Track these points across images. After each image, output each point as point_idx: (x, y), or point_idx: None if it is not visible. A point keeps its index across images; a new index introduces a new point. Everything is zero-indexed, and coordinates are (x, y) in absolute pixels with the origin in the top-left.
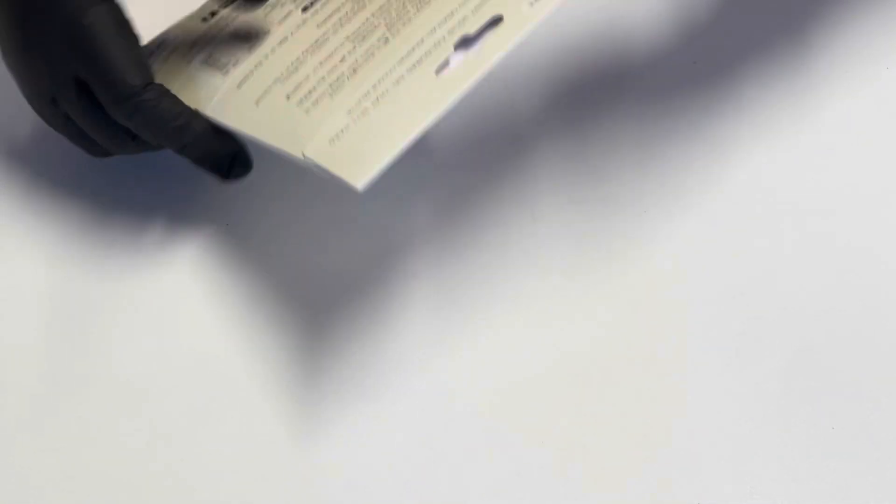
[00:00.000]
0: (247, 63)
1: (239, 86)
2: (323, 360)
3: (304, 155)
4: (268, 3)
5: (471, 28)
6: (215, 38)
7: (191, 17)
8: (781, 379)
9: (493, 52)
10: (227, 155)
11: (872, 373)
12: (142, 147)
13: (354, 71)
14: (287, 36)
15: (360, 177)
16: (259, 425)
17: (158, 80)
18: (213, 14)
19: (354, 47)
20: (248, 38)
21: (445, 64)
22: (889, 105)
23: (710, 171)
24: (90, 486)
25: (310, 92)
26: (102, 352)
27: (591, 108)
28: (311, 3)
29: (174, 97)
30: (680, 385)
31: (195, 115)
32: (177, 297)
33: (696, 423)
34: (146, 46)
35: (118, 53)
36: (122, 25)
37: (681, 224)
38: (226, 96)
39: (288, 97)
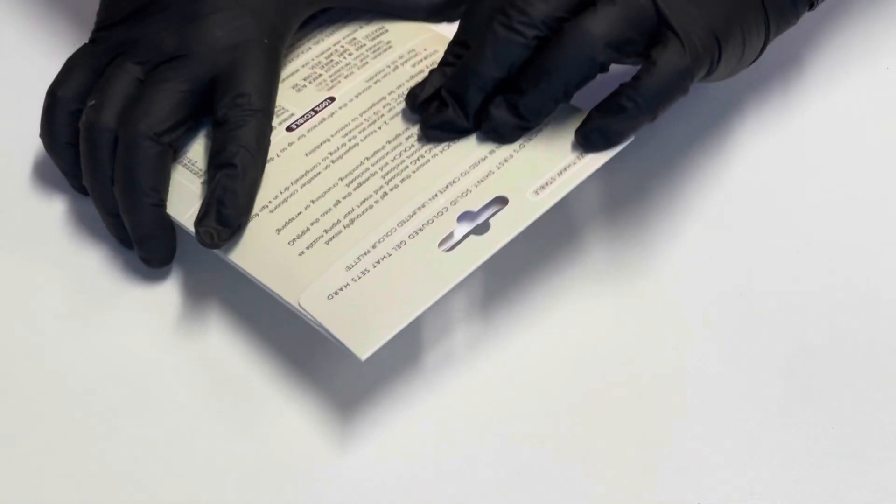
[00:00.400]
0: None
1: None
2: (324, 362)
3: (299, 304)
4: None
5: (474, 204)
6: (194, 142)
7: None
8: (781, 379)
9: (500, 236)
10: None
11: (872, 373)
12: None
13: (352, 221)
14: (273, 157)
15: (365, 347)
16: (257, 425)
17: None
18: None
19: (350, 193)
20: None
21: (449, 236)
22: (889, 105)
23: (709, 172)
24: (90, 487)
25: (303, 233)
26: (105, 351)
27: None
28: (297, 124)
29: (248, 184)
30: (680, 385)
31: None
32: (183, 296)
33: (696, 423)
34: None
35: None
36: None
37: (680, 224)
38: None
39: (278, 231)
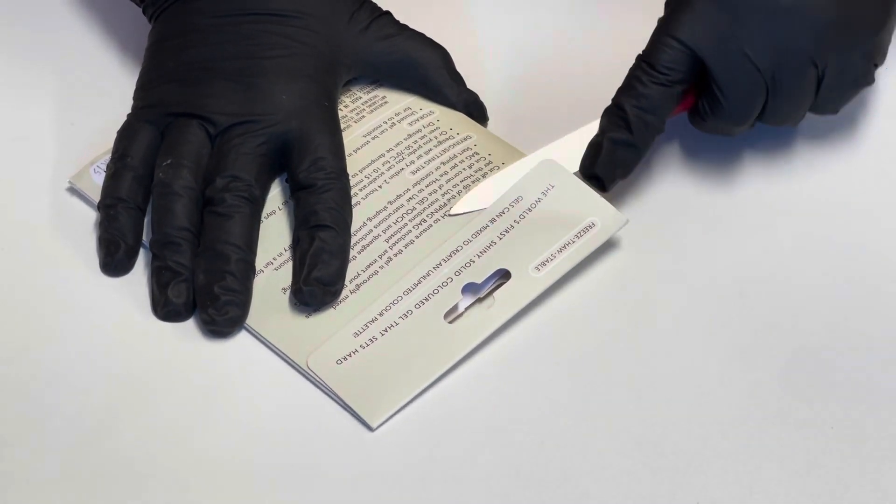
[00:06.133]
0: None
1: None
2: None
3: (308, 366)
4: None
5: (478, 276)
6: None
7: None
8: (780, 379)
9: (503, 311)
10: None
11: (872, 373)
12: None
13: (358, 287)
14: (275, 210)
15: (376, 416)
16: (249, 423)
17: None
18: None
19: (355, 257)
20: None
21: (454, 308)
22: (888, 104)
23: (709, 171)
24: (91, 486)
25: None
26: (107, 348)
27: (591, 109)
28: None
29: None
30: (680, 385)
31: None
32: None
33: (696, 423)
34: None
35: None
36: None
37: (680, 224)
38: None
39: (284, 291)
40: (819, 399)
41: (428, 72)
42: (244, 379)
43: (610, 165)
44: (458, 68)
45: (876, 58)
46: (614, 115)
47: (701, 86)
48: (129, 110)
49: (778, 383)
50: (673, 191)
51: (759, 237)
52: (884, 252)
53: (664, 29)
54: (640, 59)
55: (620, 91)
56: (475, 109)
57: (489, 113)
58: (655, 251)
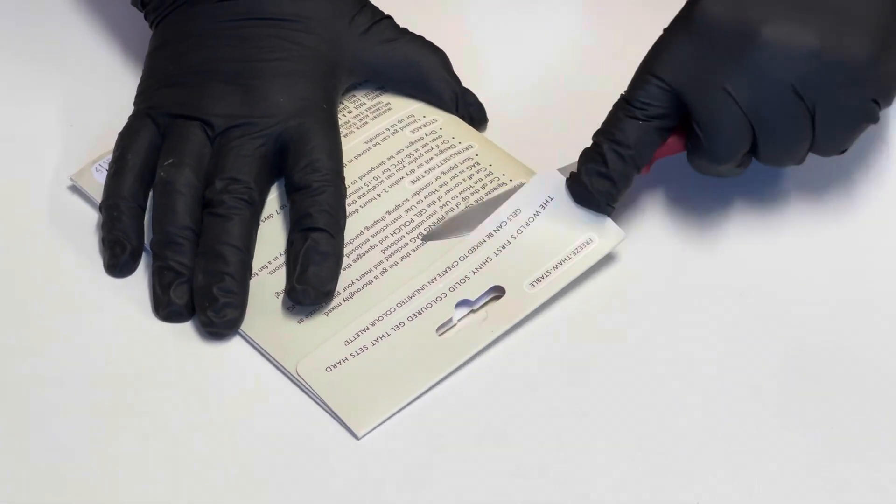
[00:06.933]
0: None
1: None
2: None
3: (297, 372)
4: None
5: (472, 293)
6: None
7: None
8: (780, 379)
9: (496, 326)
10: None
11: (871, 373)
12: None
13: (351, 295)
14: (273, 214)
15: (362, 425)
16: (238, 426)
17: None
18: None
19: (350, 265)
20: None
21: (447, 322)
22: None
23: (708, 181)
24: (91, 486)
25: None
26: (107, 348)
27: (594, 110)
28: None
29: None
30: (680, 385)
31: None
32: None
33: (696, 423)
34: None
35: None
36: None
37: (680, 224)
38: None
39: (277, 295)
40: (819, 399)
41: (427, 75)
42: (236, 382)
43: (591, 198)
44: (458, 72)
45: (877, 94)
46: (590, 150)
47: (688, 124)
48: (130, 112)
49: (777, 383)
50: (672, 191)
51: (759, 237)
52: (883, 252)
53: (644, 67)
54: (621, 96)
55: (599, 130)
56: (474, 112)
57: (487, 117)
58: (655, 252)
